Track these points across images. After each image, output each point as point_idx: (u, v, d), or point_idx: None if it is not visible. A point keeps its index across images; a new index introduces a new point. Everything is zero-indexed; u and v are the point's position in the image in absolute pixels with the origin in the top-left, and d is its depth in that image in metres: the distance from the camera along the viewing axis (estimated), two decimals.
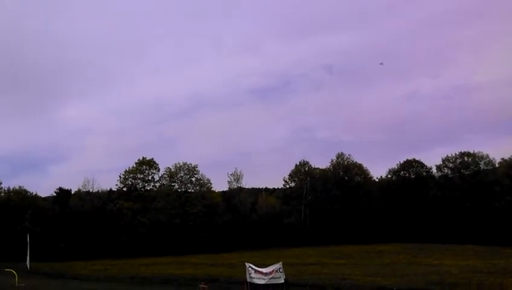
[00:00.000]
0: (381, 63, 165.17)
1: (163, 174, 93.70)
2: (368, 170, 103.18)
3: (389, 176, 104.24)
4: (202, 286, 30.43)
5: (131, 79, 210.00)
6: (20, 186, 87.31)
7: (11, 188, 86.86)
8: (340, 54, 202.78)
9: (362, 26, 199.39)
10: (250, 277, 29.21)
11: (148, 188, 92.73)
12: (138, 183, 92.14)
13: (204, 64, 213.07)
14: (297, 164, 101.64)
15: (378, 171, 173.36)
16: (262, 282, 28.45)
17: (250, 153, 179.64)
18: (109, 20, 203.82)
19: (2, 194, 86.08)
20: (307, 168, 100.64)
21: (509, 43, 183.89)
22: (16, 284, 33.79)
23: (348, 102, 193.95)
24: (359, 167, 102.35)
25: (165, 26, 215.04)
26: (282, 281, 27.91)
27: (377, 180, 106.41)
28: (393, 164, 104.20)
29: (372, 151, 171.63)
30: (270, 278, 28.32)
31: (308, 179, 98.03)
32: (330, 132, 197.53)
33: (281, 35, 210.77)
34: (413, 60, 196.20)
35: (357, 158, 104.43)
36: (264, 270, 29.21)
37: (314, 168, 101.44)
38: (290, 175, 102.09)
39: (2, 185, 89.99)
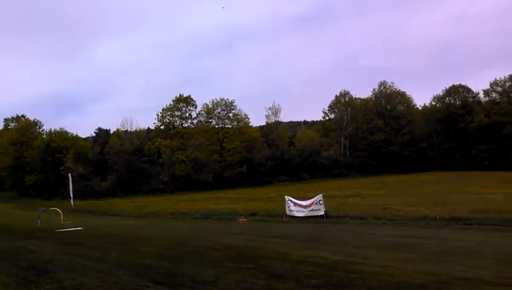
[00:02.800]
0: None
1: (201, 110, 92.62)
2: (411, 98, 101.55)
3: (433, 103, 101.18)
4: (241, 219, 29.66)
5: (166, 13, 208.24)
6: (61, 128, 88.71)
7: (53, 130, 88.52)
8: None
9: None
10: (290, 210, 29.63)
11: (186, 125, 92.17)
12: (176, 121, 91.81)
13: None
14: (338, 94, 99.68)
15: (422, 98, 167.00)
16: (301, 215, 28.72)
17: (288, 85, 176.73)
18: None
19: (44, 136, 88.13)
20: (347, 99, 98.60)
21: None
22: (62, 222, 34.40)
23: (391, 25, 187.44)
24: (402, 94, 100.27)
25: None
26: (322, 213, 27.87)
27: (420, 108, 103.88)
28: (439, 91, 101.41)
29: (417, 77, 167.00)
30: (310, 211, 28.49)
31: (349, 109, 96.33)
32: (373, 59, 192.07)
33: None
34: None
35: (401, 86, 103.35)
36: (303, 203, 29.40)
37: (355, 99, 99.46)
38: (329, 106, 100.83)
39: (44, 128, 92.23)
